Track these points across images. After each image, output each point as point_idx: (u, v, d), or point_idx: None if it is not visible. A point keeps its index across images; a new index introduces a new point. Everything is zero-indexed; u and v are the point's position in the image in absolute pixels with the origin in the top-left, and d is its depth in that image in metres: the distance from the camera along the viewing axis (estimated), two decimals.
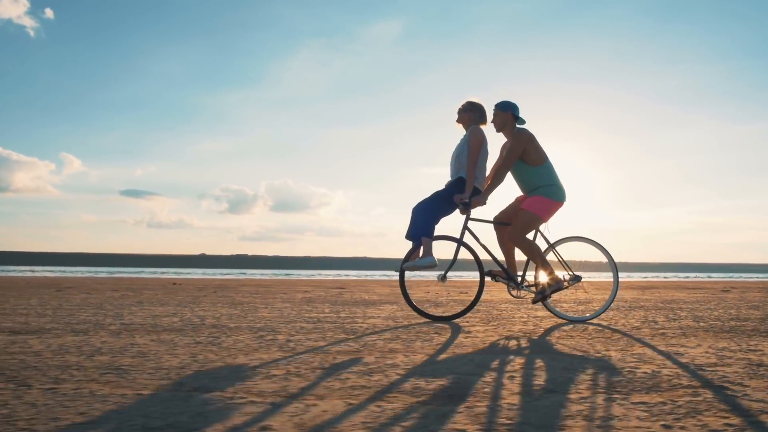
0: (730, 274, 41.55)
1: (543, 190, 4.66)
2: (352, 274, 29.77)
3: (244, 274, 26.47)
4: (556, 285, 4.58)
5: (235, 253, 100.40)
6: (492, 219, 4.86)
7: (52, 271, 26.54)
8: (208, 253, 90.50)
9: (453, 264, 4.78)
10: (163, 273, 26.88)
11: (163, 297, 7.43)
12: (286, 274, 26.26)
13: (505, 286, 4.86)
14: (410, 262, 4.68)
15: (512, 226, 4.63)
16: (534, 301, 4.68)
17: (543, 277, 4.68)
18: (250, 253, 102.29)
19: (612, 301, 4.87)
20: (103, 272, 26.88)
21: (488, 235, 4.82)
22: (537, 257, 4.61)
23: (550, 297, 4.68)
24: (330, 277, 20.55)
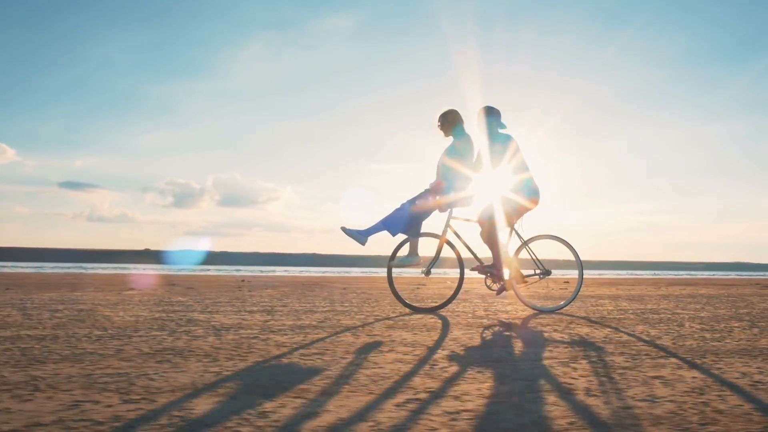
0: (678, 272, 44.13)
1: (522, 189, 5.12)
2: (354, 271, 29.71)
3: (208, 270, 26.07)
4: (497, 274, 5.07)
5: (180, 248, 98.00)
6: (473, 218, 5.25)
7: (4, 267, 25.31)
8: (152, 248, 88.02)
9: (436, 260, 5.17)
10: (116, 269, 26.09)
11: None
12: (260, 271, 26.09)
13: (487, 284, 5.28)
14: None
15: (489, 205, 5.07)
16: (472, 269, 5.15)
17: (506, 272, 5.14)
18: (196, 248, 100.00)
19: (577, 294, 5.39)
20: (70, 267, 25.84)
21: (469, 233, 5.24)
22: (494, 244, 5.05)
23: (487, 276, 5.16)
24: (336, 274, 20.76)
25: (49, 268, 25.16)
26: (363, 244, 5.09)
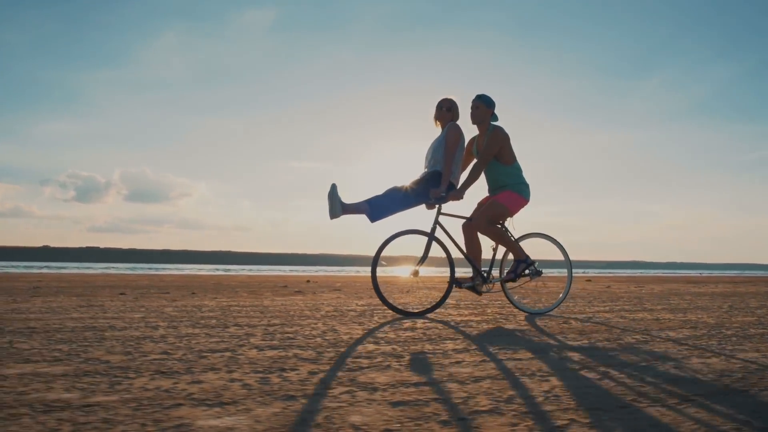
0: (585, 270, 46.42)
1: (511, 186, 4.80)
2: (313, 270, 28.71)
3: (155, 270, 24.21)
4: (525, 261, 4.78)
5: (83, 245, 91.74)
6: (463, 217, 4.86)
7: None
8: (52, 245, 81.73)
9: (425, 259, 4.74)
10: (21, 268, 23.69)
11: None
12: (198, 269, 24.50)
13: (472, 293, 4.89)
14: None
15: (479, 214, 4.72)
16: (505, 280, 4.84)
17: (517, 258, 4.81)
18: (101, 245, 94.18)
19: (566, 295, 5.15)
20: None
21: (459, 231, 4.86)
22: (505, 240, 4.76)
23: (522, 275, 4.83)
24: (296, 273, 19.83)
25: None
26: (332, 216, 4.42)
